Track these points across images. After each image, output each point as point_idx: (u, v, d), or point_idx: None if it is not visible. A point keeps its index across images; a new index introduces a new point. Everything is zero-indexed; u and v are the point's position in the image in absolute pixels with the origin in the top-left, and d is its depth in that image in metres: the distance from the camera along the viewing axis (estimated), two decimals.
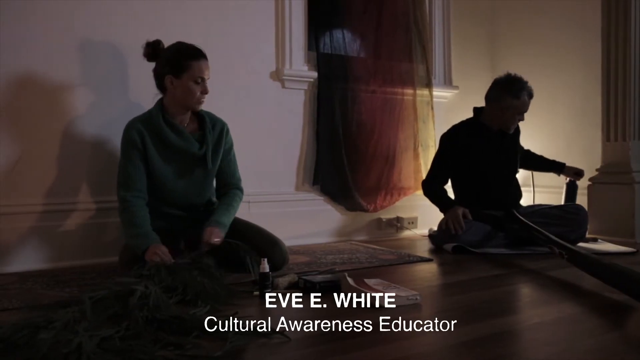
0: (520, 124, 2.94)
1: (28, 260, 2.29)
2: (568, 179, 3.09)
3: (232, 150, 2.38)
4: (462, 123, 2.98)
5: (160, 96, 2.27)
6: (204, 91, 2.20)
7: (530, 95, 2.80)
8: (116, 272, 2.16)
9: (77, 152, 2.43)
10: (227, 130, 2.35)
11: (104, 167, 2.47)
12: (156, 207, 2.23)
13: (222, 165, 2.35)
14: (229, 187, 2.36)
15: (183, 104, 2.21)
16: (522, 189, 3.08)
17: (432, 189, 2.95)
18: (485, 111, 2.92)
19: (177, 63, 2.17)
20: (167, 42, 2.36)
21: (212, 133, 2.29)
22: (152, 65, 2.30)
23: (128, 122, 2.22)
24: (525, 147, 3.17)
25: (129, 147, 2.18)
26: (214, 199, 2.42)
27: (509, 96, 2.78)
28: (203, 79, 2.19)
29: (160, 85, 2.24)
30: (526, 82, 2.80)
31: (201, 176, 2.29)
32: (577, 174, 3.06)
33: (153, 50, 2.26)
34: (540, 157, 3.18)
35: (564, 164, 3.10)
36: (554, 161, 3.14)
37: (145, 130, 2.19)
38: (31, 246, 2.31)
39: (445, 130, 3.01)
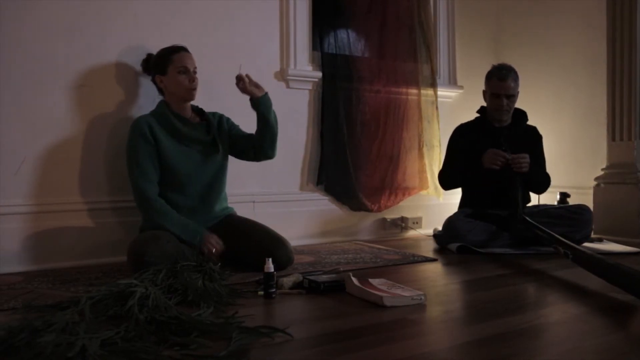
0: None
1: (34, 259, 2.30)
2: None
3: (237, 126, 2.51)
4: (469, 121, 3.02)
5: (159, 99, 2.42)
6: (192, 79, 2.33)
7: (499, 77, 2.83)
8: (121, 271, 2.17)
9: (84, 152, 2.43)
10: (227, 118, 2.50)
11: (110, 167, 2.48)
12: (171, 201, 2.28)
13: (237, 135, 2.47)
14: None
15: (177, 96, 2.35)
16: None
17: (449, 172, 2.98)
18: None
19: (160, 62, 2.36)
20: (170, 42, 2.37)
21: (214, 121, 2.43)
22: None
23: (135, 119, 2.33)
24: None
25: (139, 139, 2.26)
26: (227, 205, 2.48)
27: (485, 81, 2.90)
28: (187, 69, 2.33)
29: (158, 88, 2.40)
30: (499, 66, 2.87)
31: (213, 164, 2.38)
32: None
33: (146, 63, 2.47)
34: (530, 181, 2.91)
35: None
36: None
37: (154, 122, 2.30)
38: (37, 246, 2.32)
39: (450, 129, 3.04)
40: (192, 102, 2.41)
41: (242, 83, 2.34)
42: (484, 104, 2.98)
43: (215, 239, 2.21)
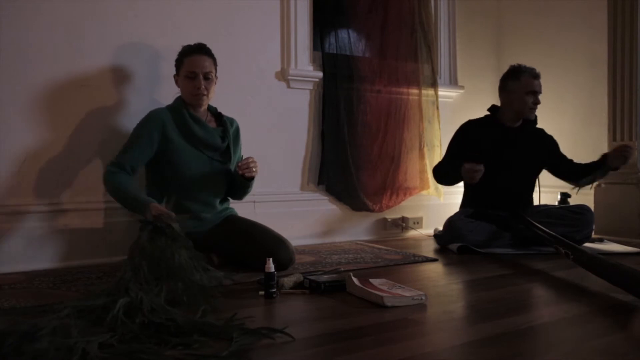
0: None
1: (35, 259, 2.30)
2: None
3: (240, 147, 2.48)
4: (478, 118, 3.00)
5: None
6: (197, 86, 2.25)
7: (534, 75, 2.84)
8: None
9: (84, 152, 2.43)
10: (240, 131, 2.47)
11: None
12: (177, 204, 2.23)
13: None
14: None
15: (186, 99, 2.31)
16: None
17: (439, 168, 2.94)
18: (501, 107, 2.94)
19: (176, 61, 2.33)
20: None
21: (231, 130, 2.41)
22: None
23: (153, 111, 2.29)
24: None
25: (143, 129, 2.24)
26: (228, 205, 2.48)
27: (510, 81, 2.88)
28: (195, 74, 2.25)
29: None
30: (525, 66, 2.87)
31: (220, 171, 2.36)
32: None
33: None
34: (585, 165, 2.89)
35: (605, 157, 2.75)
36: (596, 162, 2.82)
37: (169, 121, 2.27)
38: (38, 245, 2.32)
39: (450, 129, 3.03)
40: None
41: (249, 170, 2.26)
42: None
43: (160, 208, 2.03)
